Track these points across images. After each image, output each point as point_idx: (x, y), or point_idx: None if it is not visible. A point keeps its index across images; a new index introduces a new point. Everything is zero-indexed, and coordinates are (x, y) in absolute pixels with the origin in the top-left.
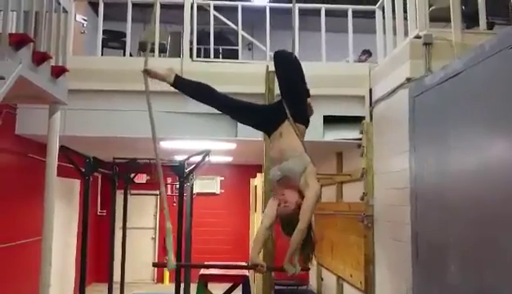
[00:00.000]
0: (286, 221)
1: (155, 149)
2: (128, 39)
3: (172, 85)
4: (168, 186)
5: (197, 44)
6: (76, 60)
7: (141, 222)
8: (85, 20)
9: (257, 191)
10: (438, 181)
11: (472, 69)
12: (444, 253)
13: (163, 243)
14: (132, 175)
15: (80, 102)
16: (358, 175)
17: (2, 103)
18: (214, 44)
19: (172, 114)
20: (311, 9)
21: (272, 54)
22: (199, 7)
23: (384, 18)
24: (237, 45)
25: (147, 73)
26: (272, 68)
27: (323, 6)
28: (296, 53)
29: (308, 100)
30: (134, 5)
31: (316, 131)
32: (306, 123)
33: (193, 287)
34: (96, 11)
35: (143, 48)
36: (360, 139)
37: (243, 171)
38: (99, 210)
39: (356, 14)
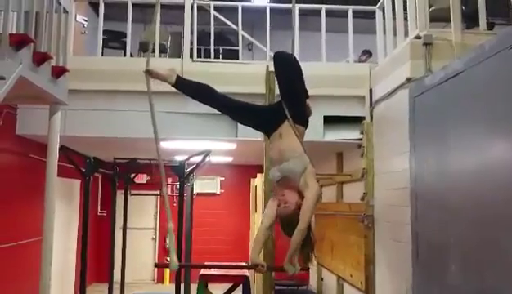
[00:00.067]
0: (286, 222)
1: (158, 149)
2: (129, 39)
3: (173, 85)
4: (169, 186)
5: (197, 44)
6: (76, 60)
7: (142, 222)
8: (85, 20)
9: (257, 191)
10: (439, 181)
11: (472, 70)
12: (444, 253)
13: (163, 243)
14: (133, 175)
15: (80, 102)
16: (358, 176)
17: (2, 103)
18: (214, 44)
19: (172, 114)
20: (311, 9)
21: (272, 54)
22: (200, 8)
23: (384, 18)
24: (237, 45)
25: (149, 73)
26: (272, 68)
27: (323, 7)
28: (296, 53)
29: (307, 100)
30: (134, 5)
31: (316, 131)
32: (305, 124)
33: (193, 288)
34: (97, 12)
35: (143, 48)
36: (360, 139)
37: (243, 172)
38: (99, 210)
39: (356, 14)
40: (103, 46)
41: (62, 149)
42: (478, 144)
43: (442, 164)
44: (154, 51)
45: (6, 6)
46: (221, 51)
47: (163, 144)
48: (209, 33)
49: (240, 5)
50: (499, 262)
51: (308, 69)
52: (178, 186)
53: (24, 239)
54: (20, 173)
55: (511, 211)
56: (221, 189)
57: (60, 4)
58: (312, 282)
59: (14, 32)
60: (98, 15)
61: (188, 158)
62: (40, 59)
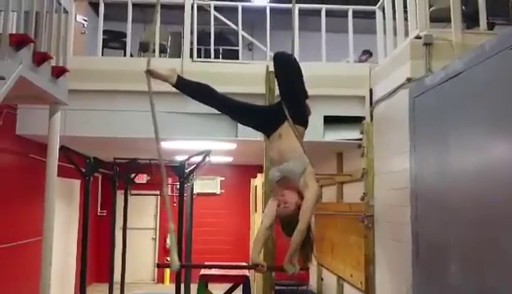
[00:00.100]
0: (286, 222)
1: (159, 149)
2: (129, 39)
3: (174, 86)
4: (169, 186)
5: (197, 44)
6: (76, 60)
7: (142, 222)
8: (85, 20)
9: (257, 191)
10: (439, 182)
11: (472, 70)
12: (444, 253)
13: (163, 243)
14: (133, 175)
15: (80, 102)
16: (358, 176)
17: (2, 103)
18: (214, 44)
19: (172, 114)
20: (311, 9)
21: (272, 54)
22: (200, 8)
23: (384, 18)
24: (237, 45)
25: (150, 73)
26: (272, 68)
27: (323, 7)
28: (296, 53)
29: (307, 101)
30: (134, 5)
31: (316, 131)
32: (305, 125)
33: (193, 288)
34: (97, 12)
35: (143, 48)
36: (360, 139)
37: (243, 172)
38: (99, 210)
39: (356, 14)
40: (103, 46)
41: (62, 149)
42: (478, 144)
43: (443, 164)
44: (154, 51)
45: (6, 6)
46: (221, 51)
47: (164, 144)
48: (209, 33)
49: (240, 5)
50: (499, 262)
51: (308, 69)
52: (178, 186)
53: (24, 239)
54: (20, 173)
55: (511, 211)
56: (221, 189)
57: (60, 4)
58: (312, 282)
59: (14, 32)
60: (98, 15)
61: (188, 158)
62: (40, 59)
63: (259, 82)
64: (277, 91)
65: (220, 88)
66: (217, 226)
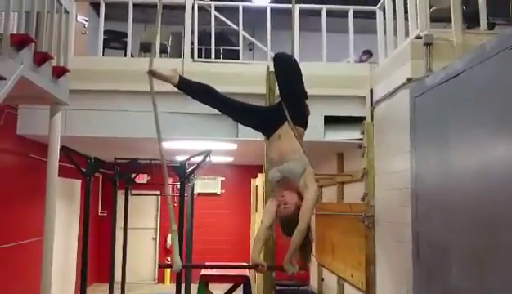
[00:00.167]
0: (286, 222)
1: (161, 149)
2: (129, 40)
3: (176, 86)
4: (169, 186)
5: (198, 44)
6: (77, 60)
7: (142, 222)
8: (86, 20)
9: (258, 191)
10: (439, 182)
11: (473, 70)
12: (445, 254)
13: (163, 244)
14: (133, 175)
15: (81, 102)
16: (359, 176)
17: (3, 103)
18: (215, 44)
19: (173, 115)
20: (311, 9)
21: (273, 54)
22: (201, 8)
23: (384, 18)
24: (238, 45)
25: (152, 73)
26: (273, 68)
27: (324, 7)
28: (297, 53)
29: (306, 101)
30: (135, 5)
31: (316, 131)
32: (305, 125)
33: (194, 288)
34: (98, 12)
35: (144, 48)
36: (361, 139)
37: (244, 172)
38: (100, 210)
39: (356, 14)
40: (104, 47)
41: (63, 149)
42: (478, 144)
43: (443, 164)
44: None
45: (7, 7)
46: (221, 51)
47: (164, 144)
48: (210, 33)
49: (240, 5)
50: (499, 262)
51: (309, 69)
52: (179, 186)
53: (25, 239)
54: (21, 173)
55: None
56: (221, 189)
57: (61, 4)
58: (313, 282)
59: (15, 32)
60: (99, 16)
61: (189, 158)
62: (41, 59)
63: (260, 83)
64: (277, 92)
65: (220, 88)
66: (218, 226)
